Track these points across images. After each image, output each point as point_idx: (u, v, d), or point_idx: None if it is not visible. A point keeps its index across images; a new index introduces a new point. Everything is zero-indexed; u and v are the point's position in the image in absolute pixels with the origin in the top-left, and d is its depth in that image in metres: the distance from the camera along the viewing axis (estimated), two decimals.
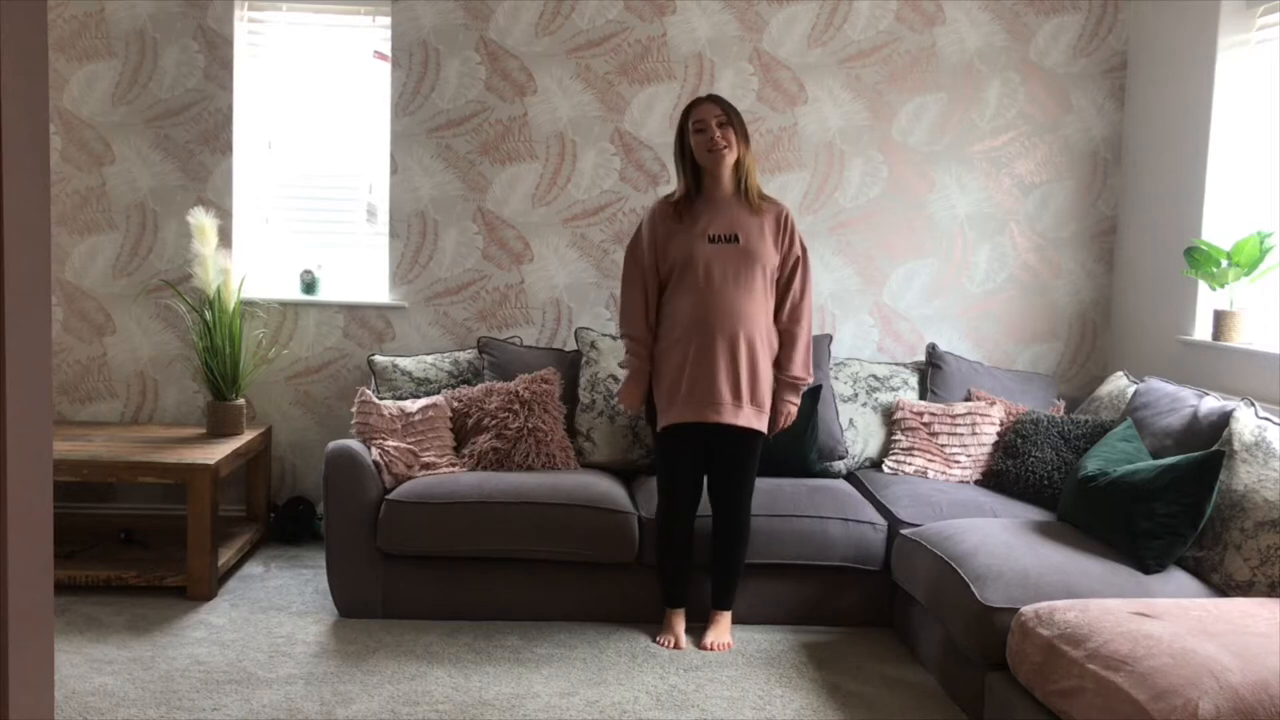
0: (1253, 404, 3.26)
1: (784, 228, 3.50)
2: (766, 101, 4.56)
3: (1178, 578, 3.02)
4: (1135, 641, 2.39)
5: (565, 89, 4.52)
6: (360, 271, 4.66)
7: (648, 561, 3.63)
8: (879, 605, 3.72)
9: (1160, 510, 3.02)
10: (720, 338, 3.38)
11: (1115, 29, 4.60)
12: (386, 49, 4.52)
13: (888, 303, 4.68)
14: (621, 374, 3.89)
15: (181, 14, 4.43)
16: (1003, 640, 2.78)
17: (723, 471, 3.48)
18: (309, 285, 4.58)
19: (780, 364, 3.51)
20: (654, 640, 3.53)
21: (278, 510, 4.53)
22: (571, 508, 3.60)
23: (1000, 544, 3.11)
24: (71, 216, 4.50)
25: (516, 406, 3.94)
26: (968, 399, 4.25)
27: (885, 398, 4.29)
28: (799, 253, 3.51)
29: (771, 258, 3.45)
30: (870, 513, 3.69)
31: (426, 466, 3.81)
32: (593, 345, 4.19)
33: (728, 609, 3.57)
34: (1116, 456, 3.35)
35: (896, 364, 4.44)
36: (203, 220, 4.22)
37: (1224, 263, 3.81)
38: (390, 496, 3.62)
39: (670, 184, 4.36)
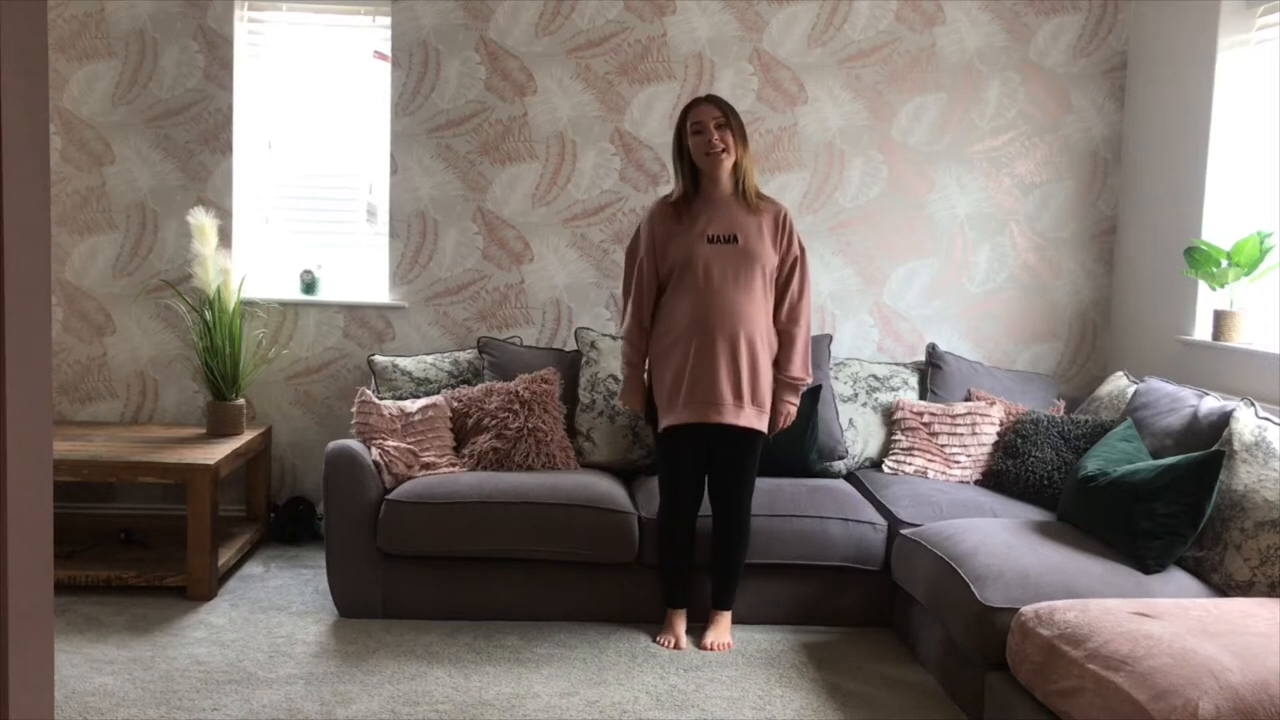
0: (1253, 404, 3.26)
1: (782, 227, 3.50)
2: (766, 101, 4.56)
3: (1178, 578, 3.02)
4: (1135, 641, 2.39)
5: (565, 89, 4.52)
6: (360, 271, 4.66)
7: (648, 561, 3.63)
8: (879, 605, 3.72)
9: (1160, 510, 3.02)
10: (720, 338, 3.38)
11: (1115, 29, 4.60)
12: (386, 49, 4.52)
13: (888, 303, 4.68)
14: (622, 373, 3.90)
15: (181, 14, 4.43)
16: (1003, 640, 2.78)
17: (723, 472, 3.48)
18: (309, 285, 4.58)
19: (779, 364, 3.51)
20: (654, 640, 3.53)
21: (278, 510, 4.53)
22: (571, 508, 3.60)
23: (1000, 544, 3.11)
24: (71, 216, 4.50)
25: (516, 406, 3.94)
26: (968, 399, 4.25)
27: (885, 398, 4.29)
28: (797, 252, 3.51)
29: (770, 258, 3.45)
30: (870, 513, 3.69)
31: (426, 466, 3.81)
32: (593, 345, 4.19)
33: (728, 609, 3.57)
34: (1116, 456, 3.35)
35: (896, 364, 4.44)
36: (203, 220, 4.22)
37: (1224, 263, 3.81)
38: (390, 496, 3.62)
39: (670, 184, 4.36)
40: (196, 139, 4.48)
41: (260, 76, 4.57)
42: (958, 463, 4.04)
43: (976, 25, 4.57)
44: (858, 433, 4.23)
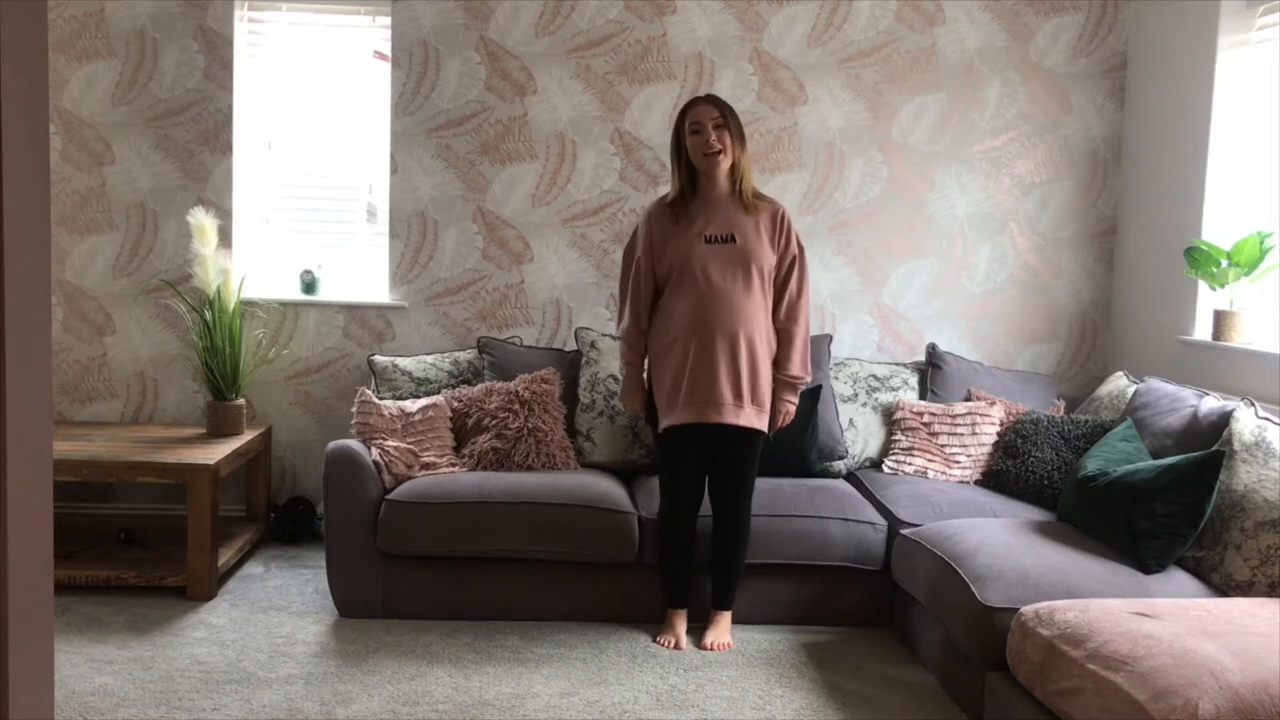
0: (1253, 404, 3.26)
1: (780, 227, 3.49)
2: (766, 101, 4.56)
3: (1178, 578, 3.02)
4: (1135, 641, 2.39)
5: (565, 89, 4.52)
6: (360, 271, 4.66)
7: (648, 561, 3.63)
8: (879, 605, 3.72)
9: (1160, 510, 3.02)
10: (720, 338, 3.38)
11: (1115, 29, 4.60)
12: (386, 49, 4.52)
13: (888, 303, 4.68)
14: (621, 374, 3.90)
15: (181, 14, 4.43)
16: (1003, 640, 2.78)
17: (723, 471, 3.48)
18: (309, 285, 4.58)
19: (778, 363, 3.51)
20: (654, 640, 3.53)
21: (278, 510, 4.53)
22: (571, 508, 3.60)
23: (1000, 544, 3.11)
24: (71, 216, 4.50)
25: (516, 406, 3.94)
26: (968, 399, 4.25)
27: (885, 398, 4.29)
28: (795, 251, 3.51)
29: (768, 257, 3.45)
30: (870, 513, 3.69)
31: (426, 466, 3.81)
32: (593, 345, 4.19)
33: (728, 609, 3.57)
34: (1116, 456, 3.35)
35: (896, 364, 4.44)
36: (203, 220, 4.22)
37: (1224, 263, 3.81)
38: (390, 496, 3.62)
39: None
40: (196, 139, 4.48)
41: (260, 76, 4.57)
42: (958, 463, 4.04)
43: (976, 25, 4.58)
44: (858, 433, 4.23)
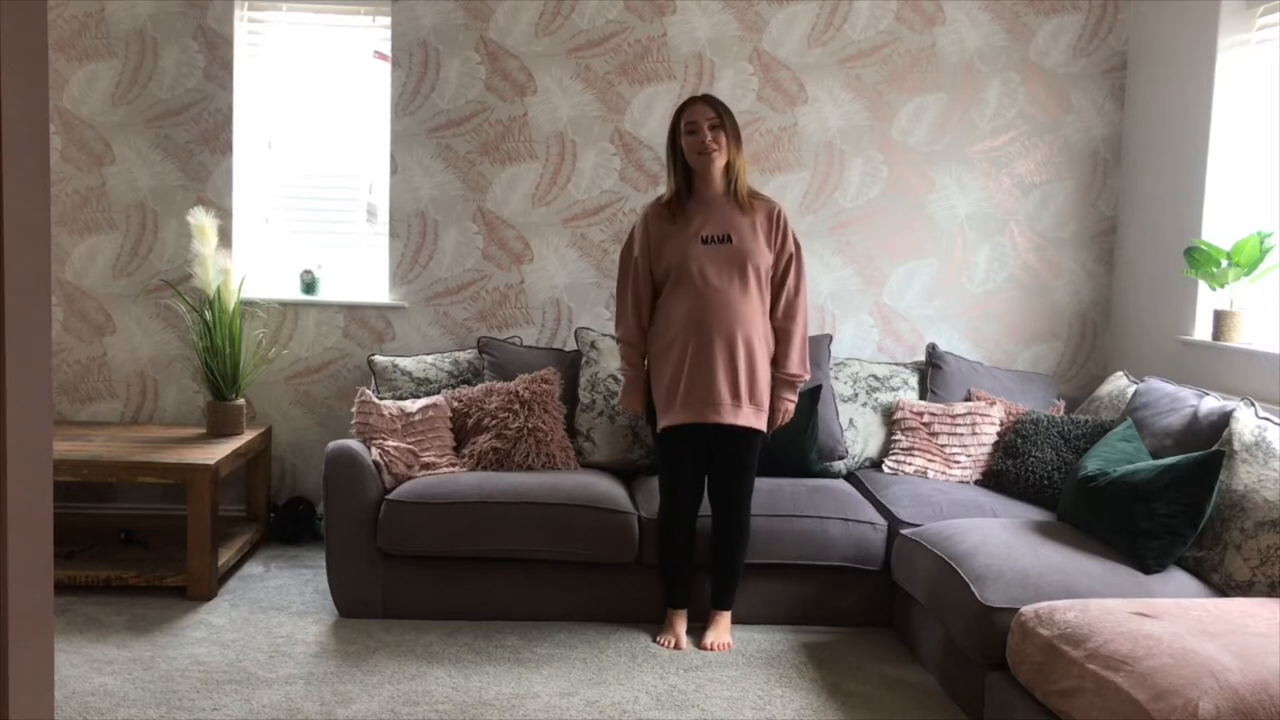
0: (1253, 404, 3.26)
1: (776, 225, 3.49)
2: (766, 101, 4.56)
3: (1178, 578, 3.02)
4: (1135, 641, 2.39)
5: (565, 89, 4.52)
6: (360, 271, 4.66)
7: (648, 561, 3.63)
8: (879, 605, 3.72)
9: (1160, 510, 3.02)
10: (718, 338, 3.38)
11: (1115, 29, 4.60)
12: (386, 49, 4.52)
13: (888, 303, 4.68)
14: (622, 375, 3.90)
15: (181, 14, 4.43)
16: (1003, 640, 2.78)
17: (722, 471, 3.48)
18: (309, 285, 4.58)
19: (777, 361, 3.51)
20: (654, 640, 3.53)
21: (278, 510, 4.53)
22: (571, 508, 3.60)
23: (1000, 544, 3.11)
24: (71, 216, 4.50)
25: (516, 406, 3.94)
26: (968, 399, 4.25)
27: (885, 398, 4.29)
28: (792, 249, 3.51)
29: (765, 256, 3.45)
30: (870, 513, 3.69)
31: (426, 466, 3.81)
32: (593, 345, 4.19)
33: (727, 609, 3.57)
34: (1116, 456, 3.35)
35: (896, 364, 4.44)
36: (203, 220, 4.22)
37: (1224, 263, 3.81)
38: (390, 496, 3.62)
39: None
40: (196, 139, 4.48)
41: (260, 76, 4.57)
42: (958, 463, 4.04)
43: (976, 25, 4.58)
44: (858, 433, 4.23)
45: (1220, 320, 3.89)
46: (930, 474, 4.02)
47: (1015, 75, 4.60)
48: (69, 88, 4.44)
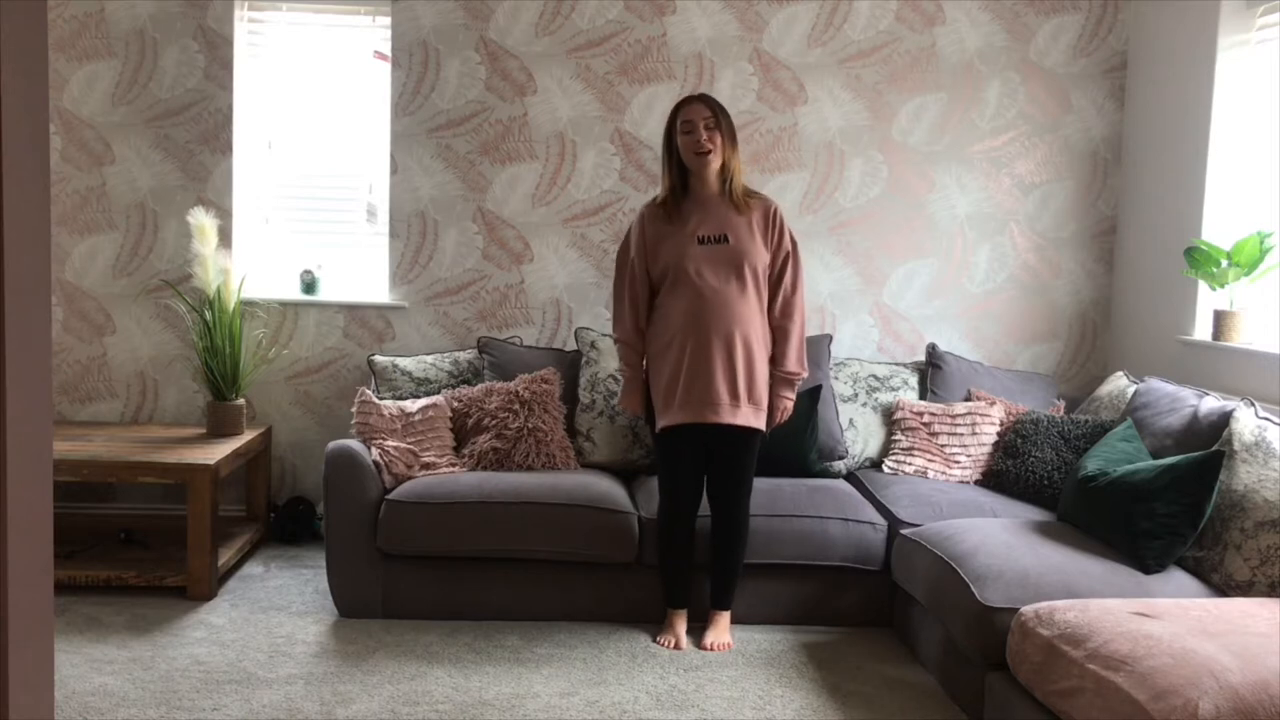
0: (1253, 404, 3.26)
1: (772, 223, 3.49)
2: (766, 101, 4.56)
3: (1178, 578, 3.02)
4: (1135, 641, 2.39)
5: (565, 89, 4.52)
6: (360, 271, 4.66)
7: (648, 561, 3.63)
8: (879, 605, 3.72)
9: (1160, 510, 3.02)
10: (716, 338, 3.38)
11: (1115, 29, 4.60)
12: (386, 49, 4.52)
13: (888, 303, 4.68)
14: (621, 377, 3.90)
15: (181, 14, 4.43)
16: (1003, 640, 2.78)
17: (721, 471, 3.48)
18: (309, 285, 4.58)
19: (775, 359, 3.51)
20: (654, 640, 3.53)
21: (278, 510, 4.53)
22: (571, 508, 3.60)
23: (1000, 544, 3.11)
24: (71, 216, 4.50)
25: (516, 406, 3.94)
26: (968, 399, 4.25)
27: (885, 398, 4.29)
28: (789, 247, 3.51)
29: (762, 256, 3.45)
30: (870, 513, 3.69)
31: (426, 466, 3.81)
32: (593, 345, 4.19)
33: (727, 609, 3.57)
34: (1116, 456, 3.35)
35: (896, 364, 4.44)
36: (203, 220, 4.22)
37: (1224, 263, 3.81)
38: (390, 496, 3.62)
39: None
40: (196, 139, 4.48)
41: (260, 76, 4.57)
42: (958, 463, 4.04)
43: (976, 25, 4.57)
44: (858, 433, 4.23)
45: (1220, 320, 3.89)
46: (930, 474, 4.02)
47: (1015, 75, 4.60)
48: (69, 88, 4.44)
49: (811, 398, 3.97)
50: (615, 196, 4.57)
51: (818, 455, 4.04)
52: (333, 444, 3.73)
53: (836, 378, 4.30)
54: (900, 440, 4.15)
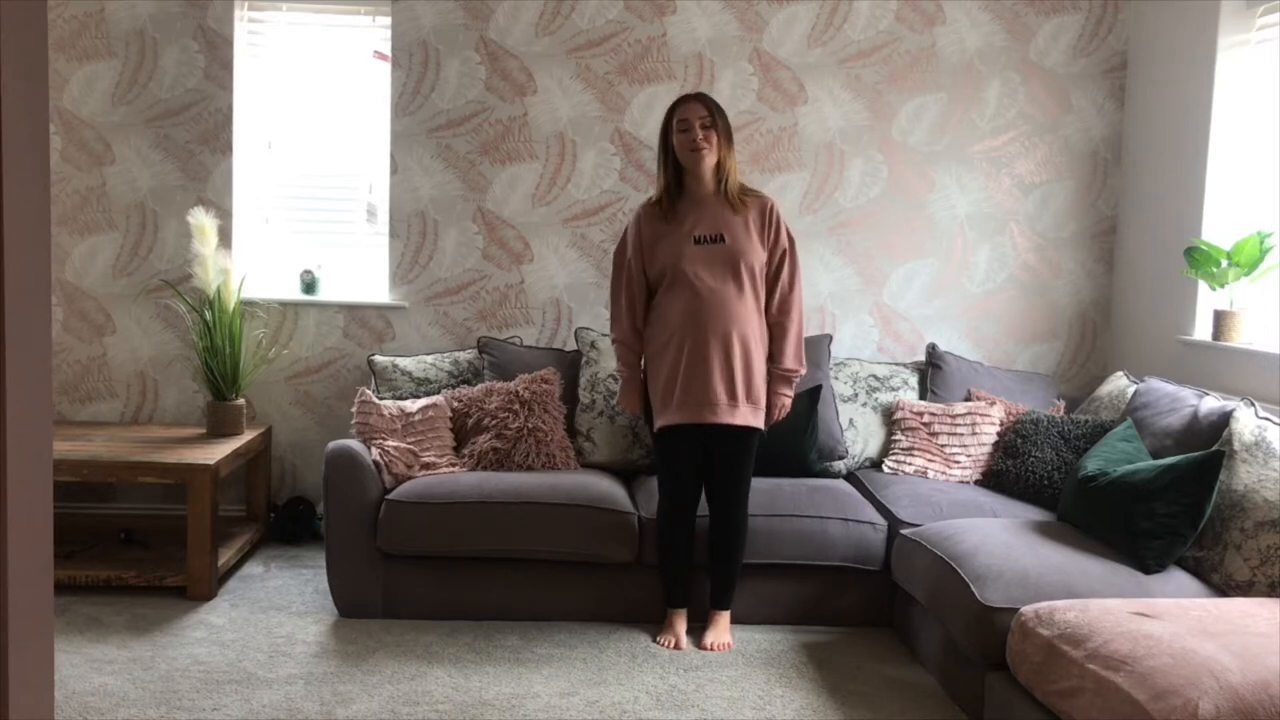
0: (1253, 404, 3.26)
1: (769, 221, 3.49)
2: (766, 101, 4.56)
3: (1178, 578, 3.02)
4: (1135, 641, 2.39)
5: (565, 89, 4.52)
6: (360, 271, 4.66)
7: (648, 561, 3.63)
8: (879, 605, 3.72)
9: (1160, 510, 3.02)
10: (713, 338, 3.38)
11: (1115, 29, 4.60)
12: (386, 49, 4.52)
13: (888, 303, 4.68)
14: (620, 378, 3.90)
15: (181, 14, 4.43)
16: (1003, 640, 2.78)
17: (720, 470, 3.48)
18: (309, 285, 4.58)
19: (772, 356, 3.51)
20: (654, 640, 3.53)
21: (278, 510, 4.53)
22: (571, 508, 3.60)
23: (1000, 544, 3.11)
24: (71, 216, 4.50)
25: (516, 406, 3.94)
26: (968, 399, 4.25)
27: (885, 398, 4.29)
28: (786, 244, 3.51)
29: (759, 255, 3.45)
30: (870, 513, 3.69)
31: (426, 466, 3.81)
32: (593, 345, 4.19)
33: (726, 609, 3.57)
34: (1116, 456, 3.35)
35: (896, 364, 4.44)
36: (203, 220, 4.22)
37: (1224, 263, 3.81)
38: (390, 496, 3.62)
39: None
40: (196, 139, 4.48)
41: (260, 76, 4.57)
42: (958, 463, 4.04)
43: (976, 25, 4.57)
44: (858, 433, 4.23)
45: (1220, 320, 3.89)
46: (930, 474, 4.02)
47: (1015, 75, 4.60)
48: (69, 88, 4.44)
49: (811, 398, 3.97)
50: (615, 196, 4.57)
51: (818, 455, 4.04)
52: (333, 444, 3.73)
53: (836, 378, 4.30)
54: (900, 440, 4.15)
